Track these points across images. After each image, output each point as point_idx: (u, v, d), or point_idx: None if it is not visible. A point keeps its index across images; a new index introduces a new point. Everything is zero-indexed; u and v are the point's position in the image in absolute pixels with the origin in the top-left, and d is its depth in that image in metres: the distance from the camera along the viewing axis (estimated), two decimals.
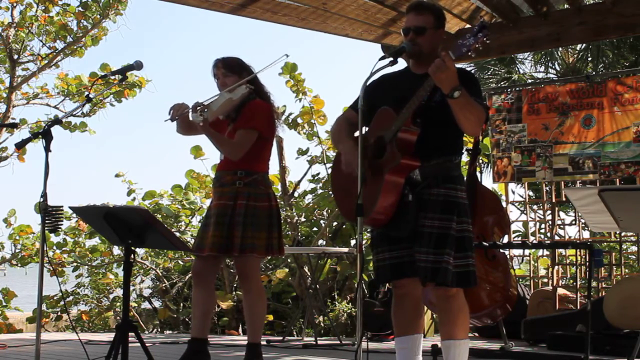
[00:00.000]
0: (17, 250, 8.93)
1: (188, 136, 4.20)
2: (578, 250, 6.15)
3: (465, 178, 5.18)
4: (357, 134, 3.10)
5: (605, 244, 7.25)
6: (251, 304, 4.00)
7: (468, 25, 6.08)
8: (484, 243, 4.70)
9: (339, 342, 5.64)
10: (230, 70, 4.00)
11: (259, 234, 3.90)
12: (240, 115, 3.96)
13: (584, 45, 13.10)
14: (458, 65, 3.03)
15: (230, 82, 3.94)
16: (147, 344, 3.31)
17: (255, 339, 4.00)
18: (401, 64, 3.26)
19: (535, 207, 8.42)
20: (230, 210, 3.90)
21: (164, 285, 8.50)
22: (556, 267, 6.35)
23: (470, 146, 5.24)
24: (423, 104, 3.07)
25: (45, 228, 3.50)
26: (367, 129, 3.18)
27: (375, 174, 3.05)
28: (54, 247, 8.66)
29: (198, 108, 3.79)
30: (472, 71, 11.62)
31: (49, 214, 3.51)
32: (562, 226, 6.90)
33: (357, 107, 3.16)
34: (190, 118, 3.80)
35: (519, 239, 9.03)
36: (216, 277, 4.17)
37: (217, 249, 3.89)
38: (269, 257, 8.48)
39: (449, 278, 3.03)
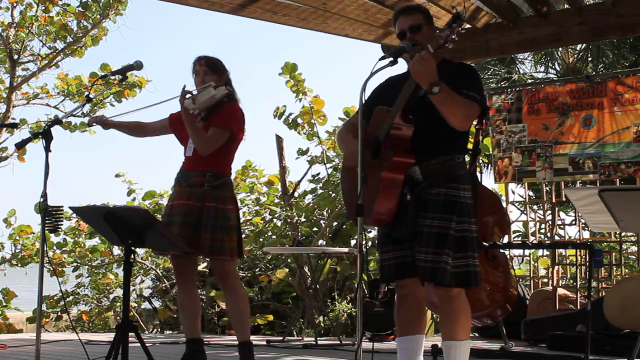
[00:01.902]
0: (17, 250, 8.94)
1: (143, 137, 4.35)
2: (578, 250, 6.16)
3: None
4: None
5: (605, 244, 7.24)
6: (237, 303, 4.03)
7: (468, 26, 6.08)
8: (484, 243, 4.70)
9: (339, 342, 5.65)
10: (212, 69, 4.03)
11: (229, 236, 3.94)
12: (215, 114, 3.99)
13: (584, 45, 13.09)
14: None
15: (209, 81, 3.97)
16: (147, 344, 3.31)
17: (247, 337, 4.04)
18: (403, 66, 3.26)
19: (535, 207, 8.41)
20: (197, 211, 3.91)
21: (164, 285, 8.50)
22: (556, 267, 6.35)
23: (470, 146, 5.23)
24: (419, 101, 3.06)
25: (45, 228, 3.50)
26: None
27: (374, 174, 3.05)
28: (54, 247, 8.66)
29: (188, 96, 3.84)
30: None
31: (49, 214, 3.51)
32: (562, 226, 6.91)
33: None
34: (185, 104, 3.83)
35: (519, 239, 9.02)
36: (210, 276, 4.23)
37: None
38: (269, 257, 8.52)
39: (447, 278, 3.01)
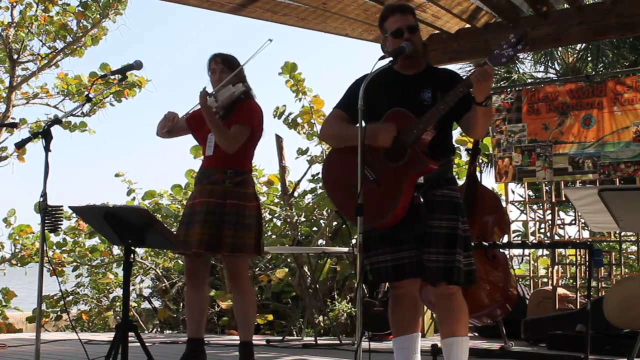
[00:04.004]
0: (17, 250, 8.93)
1: (169, 138, 4.28)
2: (578, 250, 6.16)
3: (465, 178, 5.22)
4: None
5: (605, 243, 7.25)
6: (245, 303, 4.03)
7: (468, 25, 6.08)
8: (484, 243, 4.70)
9: (339, 342, 5.64)
10: (229, 66, 4.04)
11: (249, 233, 3.94)
12: (234, 112, 4.00)
13: (584, 45, 13.09)
14: (446, 67, 3.07)
15: (226, 79, 3.97)
16: (147, 344, 3.31)
17: (249, 337, 4.04)
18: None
19: (535, 206, 8.41)
20: (219, 209, 3.91)
21: (163, 285, 8.50)
22: (556, 267, 6.35)
23: (470, 146, 5.23)
24: (422, 105, 3.09)
25: (45, 228, 3.50)
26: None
27: (392, 175, 3.05)
28: (54, 247, 8.66)
29: (209, 96, 3.85)
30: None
31: (49, 214, 3.50)
32: (562, 226, 6.91)
33: (346, 107, 3.22)
34: (208, 103, 3.83)
35: (519, 238, 9.02)
36: (210, 276, 4.22)
37: (205, 247, 3.90)
38: (269, 257, 8.51)
39: (461, 277, 3.07)
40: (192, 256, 4.01)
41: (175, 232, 4.09)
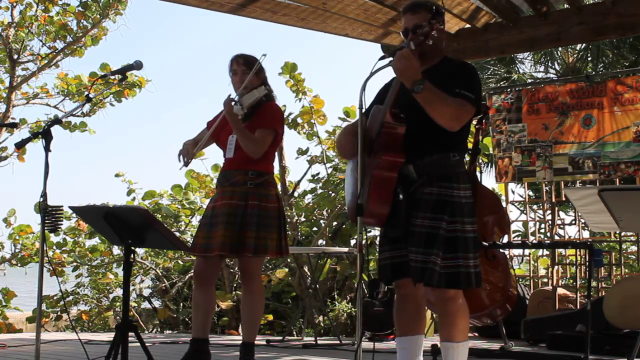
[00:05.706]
0: (17, 250, 8.93)
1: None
2: (578, 250, 6.16)
3: None
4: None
5: (605, 243, 7.25)
6: (253, 304, 4.02)
7: (468, 25, 6.09)
8: (484, 243, 4.70)
9: (339, 342, 5.64)
10: (250, 68, 4.03)
11: (271, 234, 3.92)
12: (256, 115, 3.98)
13: (584, 45, 13.09)
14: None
15: (247, 80, 3.97)
16: (147, 344, 3.31)
17: (252, 339, 4.03)
18: None
19: (535, 207, 8.42)
20: (241, 210, 3.89)
21: (163, 285, 8.51)
22: (556, 267, 6.35)
23: (470, 146, 5.23)
24: (412, 99, 2.97)
25: (45, 228, 3.50)
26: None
27: (367, 173, 3.03)
28: (54, 247, 8.66)
29: (234, 102, 3.85)
30: None
31: (49, 214, 3.50)
32: (562, 226, 6.91)
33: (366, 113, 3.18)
34: (234, 111, 3.82)
35: (519, 239, 9.03)
36: (217, 277, 4.19)
37: (228, 249, 3.88)
38: (269, 257, 8.52)
39: (435, 278, 2.95)
40: (206, 257, 3.98)
41: (193, 235, 4.09)
